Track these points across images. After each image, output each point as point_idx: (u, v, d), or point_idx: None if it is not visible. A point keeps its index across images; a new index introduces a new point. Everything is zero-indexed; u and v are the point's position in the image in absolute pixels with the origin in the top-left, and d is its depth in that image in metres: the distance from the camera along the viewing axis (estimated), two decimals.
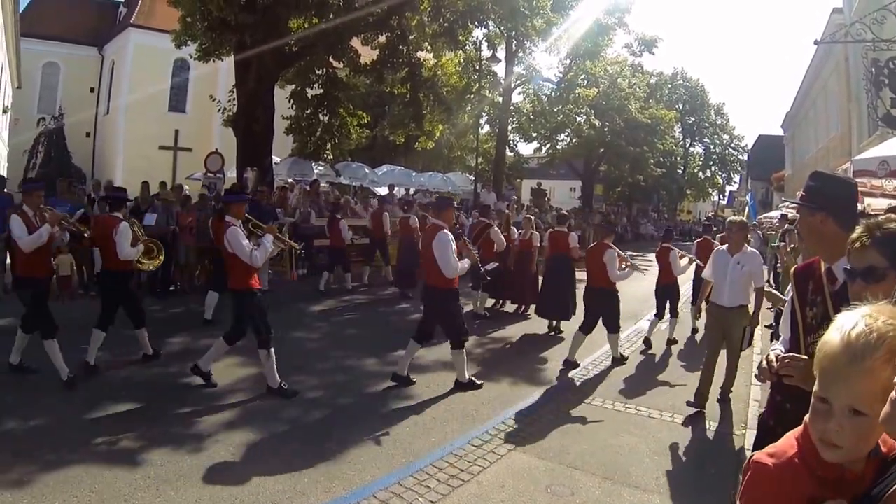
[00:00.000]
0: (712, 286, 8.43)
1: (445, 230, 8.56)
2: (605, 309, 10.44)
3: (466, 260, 8.77)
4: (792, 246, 12.71)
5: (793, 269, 3.75)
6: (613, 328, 10.57)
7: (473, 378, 9.01)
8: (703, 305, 9.27)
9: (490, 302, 14.69)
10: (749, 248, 8.36)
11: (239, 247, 7.90)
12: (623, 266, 10.43)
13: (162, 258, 10.51)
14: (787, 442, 1.78)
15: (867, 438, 1.60)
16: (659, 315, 12.33)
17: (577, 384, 9.39)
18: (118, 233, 8.95)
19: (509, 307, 15.01)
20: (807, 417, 1.72)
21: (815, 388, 1.64)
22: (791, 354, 2.82)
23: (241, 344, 10.13)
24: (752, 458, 1.83)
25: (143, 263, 9.99)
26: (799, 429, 1.79)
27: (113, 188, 10.14)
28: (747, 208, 39.43)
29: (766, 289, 7.63)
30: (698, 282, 12.28)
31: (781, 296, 5.20)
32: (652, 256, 14.27)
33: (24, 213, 8.23)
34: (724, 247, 8.50)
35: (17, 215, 8.18)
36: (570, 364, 10.24)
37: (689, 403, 8.15)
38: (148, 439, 6.46)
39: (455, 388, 8.78)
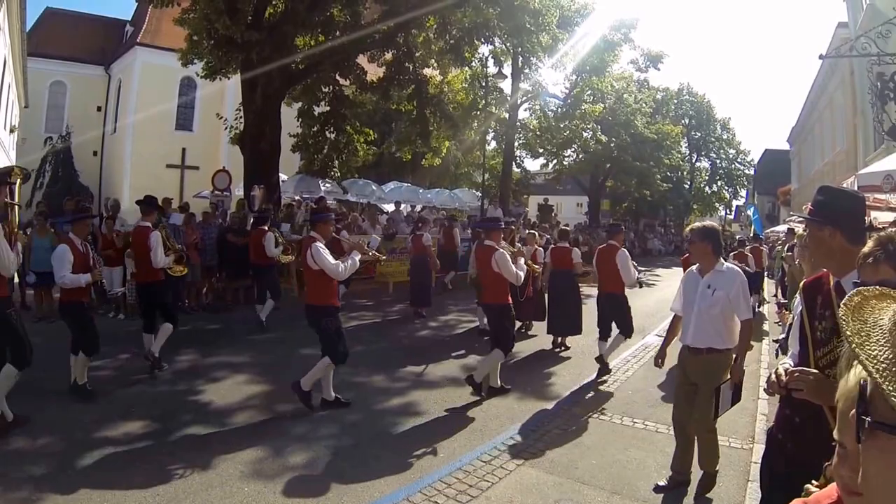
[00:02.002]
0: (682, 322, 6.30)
1: (500, 249, 9.18)
2: (616, 314, 10.71)
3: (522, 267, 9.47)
4: (797, 262, 12.67)
5: (801, 284, 3.74)
6: (627, 332, 10.79)
7: (503, 383, 9.52)
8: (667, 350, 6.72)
9: None
10: (726, 265, 6.06)
11: (325, 262, 8.05)
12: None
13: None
14: (826, 492, 1.73)
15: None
16: None
17: (585, 399, 9.35)
18: (151, 242, 9.62)
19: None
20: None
21: (835, 432, 1.60)
22: (800, 368, 2.82)
23: (249, 361, 10.18)
24: None
25: (174, 270, 10.47)
26: None
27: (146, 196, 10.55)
28: (752, 222, 39.42)
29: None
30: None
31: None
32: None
33: (72, 243, 8.26)
34: (696, 266, 6.19)
35: (66, 245, 8.20)
36: (601, 363, 10.48)
37: (657, 489, 6.18)
38: (156, 457, 6.46)
39: (489, 394, 9.20)
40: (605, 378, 10.40)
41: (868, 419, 1.14)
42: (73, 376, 8.38)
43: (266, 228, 12.22)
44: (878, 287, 1.37)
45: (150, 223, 9.99)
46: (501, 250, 9.16)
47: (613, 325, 10.69)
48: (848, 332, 1.24)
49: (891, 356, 1.13)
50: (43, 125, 38.58)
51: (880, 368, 1.11)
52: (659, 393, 9.76)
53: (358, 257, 8.47)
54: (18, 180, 7.70)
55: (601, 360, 10.45)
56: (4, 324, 7.11)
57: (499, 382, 9.43)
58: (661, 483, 6.19)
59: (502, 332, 9.38)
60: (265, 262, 13.89)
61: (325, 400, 8.43)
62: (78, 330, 8.36)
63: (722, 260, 6.07)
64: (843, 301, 1.34)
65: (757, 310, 15.59)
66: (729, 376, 5.64)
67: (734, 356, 5.88)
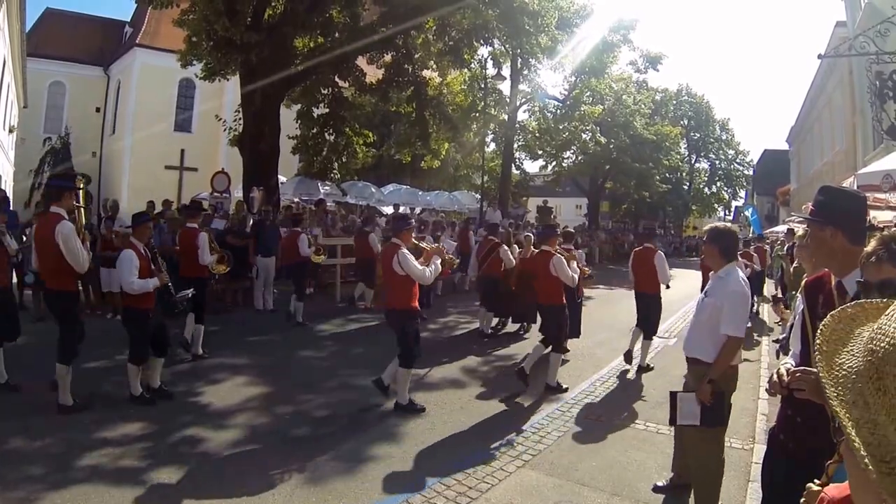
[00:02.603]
0: None
1: (556, 255, 9.72)
2: (648, 312, 11.23)
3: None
4: (795, 265, 12.67)
5: (803, 283, 3.74)
6: (649, 333, 11.23)
7: (560, 382, 9.81)
8: None
9: (493, 321, 14.59)
10: (728, 272, 5.51)
11: (412, 268, 8.29)
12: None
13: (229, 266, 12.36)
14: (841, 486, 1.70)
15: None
16: None
17: (584, 401, 9.33)
18: (199, 241, 10.99)
19: (510, 326, 14.86)
20: None
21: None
22: (802, 368, 2.81)
23: (248, 363, 10.16)
24: None
25: (216, 268, 11.84)
26: None
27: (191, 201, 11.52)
28: (750, 223, 39.33)
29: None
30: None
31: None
32: None
33: (135, 247, 8.28)
34: None
35: (131, 249, 8.23)
36: (642, 369, 11.00)
37: (656, 489, 6.17)
38: (154, 458, 6.44)
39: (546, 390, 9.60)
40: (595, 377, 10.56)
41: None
42: (131, 388, 8.31)
43: (197, 227, 12.21)
44: (883, 301, 1.35)
45: (197, 224, 11.36)
46: (559, 255, 9.73)
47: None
48: (818, 341, 1.30)
49: (856, 365, 1.18)
50: (42, 125, 38.62)
51: (837, 376, 1.18)
52: (659, 394, 9.74)
53: (438, 261, 8.71)
54: (82, 184, 8.34)
55: (643, 367, 11.08)
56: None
57: (556, 381, 9.79)
58: (660, 483, 6.16)
59: (558, 331, 9.81)
60: (298, 260, 14.34)
61: (399, 404, 8.52)
62: (138, 337, 8.33)
63: (730, 265, 5.54)
64: (833, 312, 1.36)
65: (753, 310, 15.60)
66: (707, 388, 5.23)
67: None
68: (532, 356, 9.87)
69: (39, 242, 8.00)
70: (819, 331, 1.31)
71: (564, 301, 10.01)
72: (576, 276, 9.98)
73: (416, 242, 9.15)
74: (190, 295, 9.50)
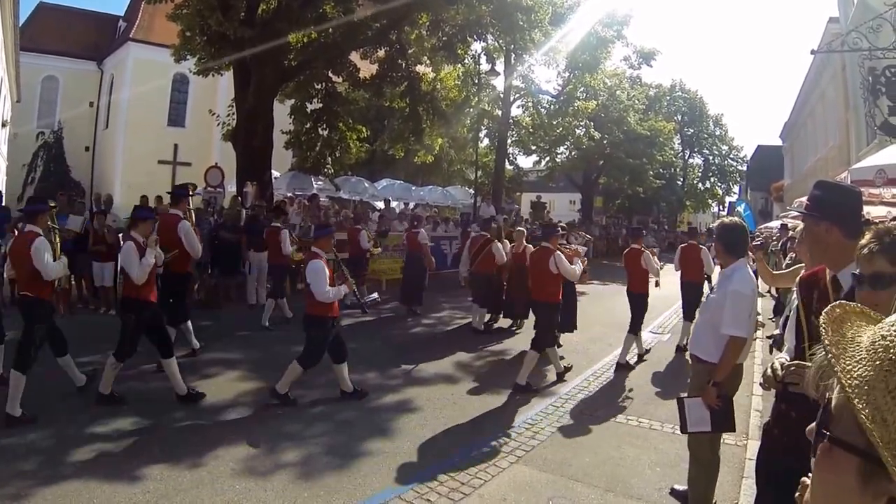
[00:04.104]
0: None
1: (557, 252, 10.05)
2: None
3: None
4: (792, 256, 12.70)
5: (798, 278, 3.73)
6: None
7: (530, 383, 9.73)
8: None
9: (486, 317, 14.58)
10: (734, 269, 5.26)
11: (566, 268, 9.86)
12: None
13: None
14: None
15: None
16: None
17: (578, 397, 9.34)
18: (282, 237, 13.67)
19: (503, 322, 14.85)
20: None
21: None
22: (796, 362, 2.81)
23: (241, 358, 10.15)
24: None
25: (295, 256, 14.08)
26: None
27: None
28: (743, 218, 39.34)
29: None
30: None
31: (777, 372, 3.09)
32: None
33: (321, 257, 8.43)
34: None
35: (319, 259, 8.40)
36: (621, 366, 10.98)
37: (673, 492, 6.04)
38: (147, 454, 6.42)
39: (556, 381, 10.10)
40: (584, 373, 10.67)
41: (827, 433, 1.12)
42: (176, 388, 8.38)
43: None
44: (859, 305, 1.32)
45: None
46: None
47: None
48: (826, 342, 1.19)
49: (865, 374, 1.09)
50: (35, 120, 38.32)
51: (853, 384, 1.07)
52: (653, 390, 9.79)
53: (578, 261, 10.32)
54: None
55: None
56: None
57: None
58: (679, 488, 5.92)
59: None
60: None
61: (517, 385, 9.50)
62: (314, 345, 8.44)
63: (737, 262, 5.29)
64: (826, 310, 1.29)
65: None
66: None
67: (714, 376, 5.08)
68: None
69: (14, 256, 8.04)
70: (823, 335, 1.28)
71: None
72: (577, 270, 10.33)
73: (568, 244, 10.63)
74: (378, 299, 10.00)
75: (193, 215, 10.94)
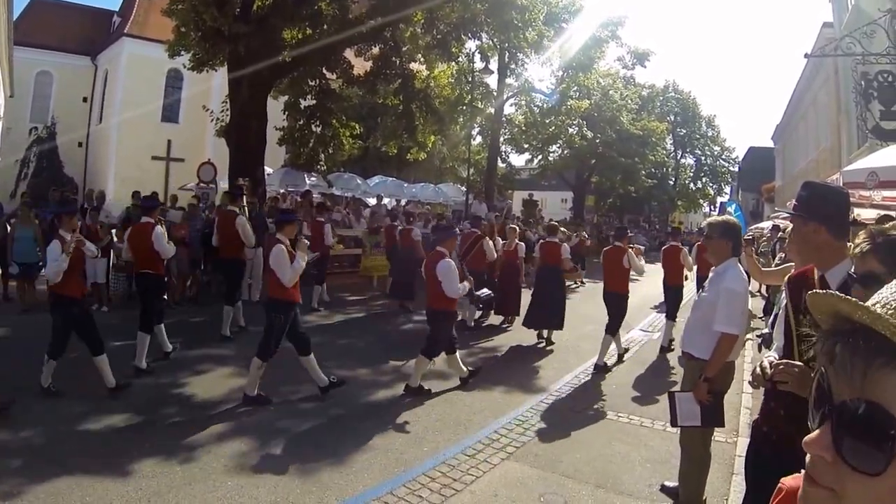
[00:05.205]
0: None
1: (629, 250, 11.29)
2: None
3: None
4: (781, 256, 12.80)
5: (786, 277, 3.76)
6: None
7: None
8: None
9: (476, 314, 14.61)
10: (726, 267, 5.31)
11: (637, 264, 11.32)
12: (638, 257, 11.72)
13: None
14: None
15: None
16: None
17: (569, 394, 9.39)
18: (325, 230, 15.17)
19: (494, 318, 14.91)
20: None
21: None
22: (785, 361, 2.84)
23: (233, 354, 10.16)
24: None
25: (337, 250, 14.35)
26: None
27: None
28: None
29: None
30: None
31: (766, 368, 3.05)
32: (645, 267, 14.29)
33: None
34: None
35: (450, 259, 9.13)
36: (600, 368, 10.91)
37: (663, 488, 6.10)
38: (139, 451, 6.42)
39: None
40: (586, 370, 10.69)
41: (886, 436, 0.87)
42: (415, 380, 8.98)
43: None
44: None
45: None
46: (630, 250, 11.25)
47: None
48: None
49: None
50: (28, 115, 38.07)
51: None
52: (643, 387, 9.85)
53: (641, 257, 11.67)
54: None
55: (598, 364, 11.09)
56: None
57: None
58: (669, 484, 6.01)
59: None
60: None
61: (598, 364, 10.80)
62: (440, 334, 9.14)
63: (730, 261, 5.32)
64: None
65: None
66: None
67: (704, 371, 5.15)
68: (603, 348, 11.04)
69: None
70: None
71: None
72: (643, 265, 11.66)
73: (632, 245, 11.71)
74: (491, 294, 10.34)
75: (247, 210, 13.21)
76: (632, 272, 11.44)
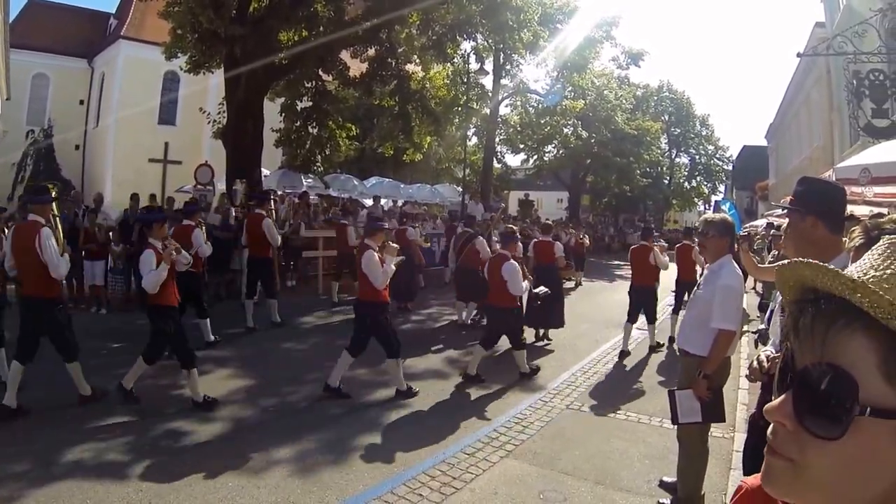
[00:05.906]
0: None
1: (654, 248, 12.07)
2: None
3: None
4: (775, 253, 12.95)
5: None
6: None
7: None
8: None
9: (473, 313, 14.65)
10: (721, 261, 5.34)
11: (661, 260, 12.00)
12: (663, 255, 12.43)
13: None
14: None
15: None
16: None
17: (567, 391, 9.41)
18: (349, 232, 15.93)
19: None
20: None
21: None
22: (781, 355, 2.89)
23: (233, 355, 10.19)
24: None
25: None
26: None
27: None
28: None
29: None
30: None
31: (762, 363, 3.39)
32: None
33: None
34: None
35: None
36: (624, 354, 11.78)
37: (662, 483, 6.16)
38: (140, 453, 6.45)
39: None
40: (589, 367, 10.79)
41: (857, 405, 0.84)
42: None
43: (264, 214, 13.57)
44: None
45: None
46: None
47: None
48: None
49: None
50: (25, 118, 37.94)
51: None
52: (640, 384, 9.89)
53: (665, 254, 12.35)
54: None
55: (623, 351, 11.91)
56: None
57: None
58: (668, 479, 6.02)
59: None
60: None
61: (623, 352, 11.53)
62: (501, 327, 10.03)
63: (725, 258, 5.34)
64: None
65: None
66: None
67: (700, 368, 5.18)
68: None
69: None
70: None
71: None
72: (668, 261, 12.34)
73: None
74: (549, 291, 11.55)
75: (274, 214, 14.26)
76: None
